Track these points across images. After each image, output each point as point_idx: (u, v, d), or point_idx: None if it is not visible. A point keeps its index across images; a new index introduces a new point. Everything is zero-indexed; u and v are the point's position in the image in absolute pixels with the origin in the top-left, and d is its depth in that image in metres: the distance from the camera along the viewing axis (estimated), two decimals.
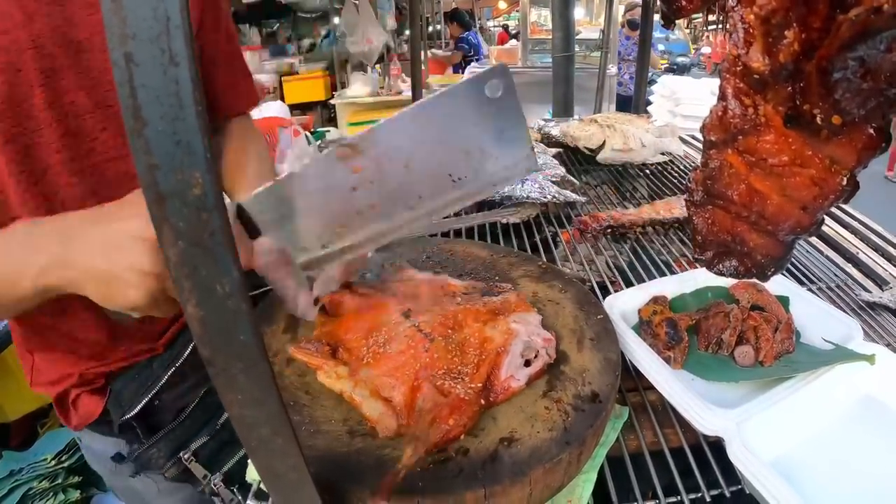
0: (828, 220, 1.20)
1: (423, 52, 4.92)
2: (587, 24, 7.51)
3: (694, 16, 0.55)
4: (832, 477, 0.57)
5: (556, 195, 1.23)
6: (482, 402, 0.55)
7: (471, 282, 0.72)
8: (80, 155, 0.66)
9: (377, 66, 5.25)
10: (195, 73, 0.26)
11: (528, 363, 0.58)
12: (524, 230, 1.17)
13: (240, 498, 0.82)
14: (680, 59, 11.75)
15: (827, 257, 1.09)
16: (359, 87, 5.04)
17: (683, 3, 0.51)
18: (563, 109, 2.44)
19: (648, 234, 1.16)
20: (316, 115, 5.67)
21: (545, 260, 0.85)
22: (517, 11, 8.04)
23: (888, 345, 0.78)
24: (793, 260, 1.02)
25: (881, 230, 1.17)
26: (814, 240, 1.14)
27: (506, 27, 11.81)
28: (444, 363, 0.56)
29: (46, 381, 0.77)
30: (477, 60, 5.84)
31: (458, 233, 1.13)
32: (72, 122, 0.65)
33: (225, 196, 0.61)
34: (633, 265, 1.02)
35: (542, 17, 9.41)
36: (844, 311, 0.84)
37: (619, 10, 4.58)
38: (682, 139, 1.73)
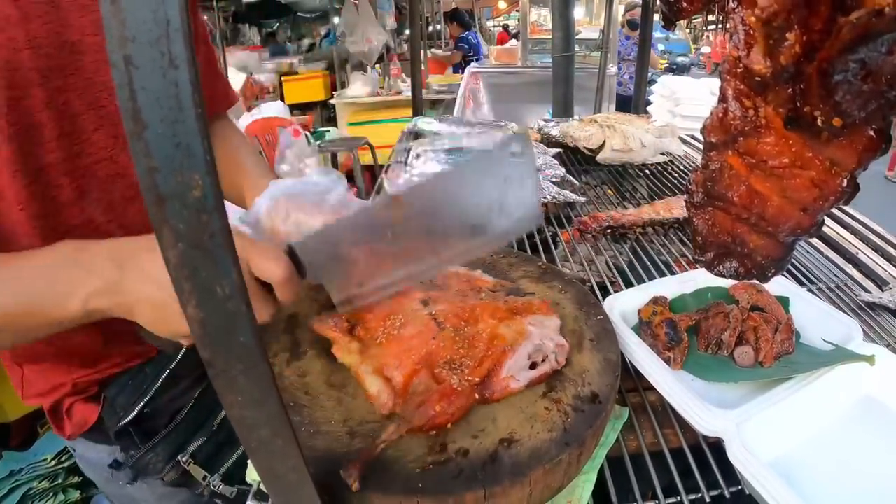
0: (828, 220, 1.20)
1: (422, 52, 4.92)
2: (587, 24, 7.51)
3: (694, 17, 0.55)
4: (832, 477, 0.57)
5: (556, 195, 1.23)
6: (476, 396, 0.55)
7: (501, 280, 0.73)
8: (73, 155, 0.66)
9: (377, 65, 5.25)
10: (195, 76, 0.26)
11: (533, 366, 0.58)
12: None
13: (234, 489, 0.82)
14: (680, 59, 11.75)
15: (827, 258, 1.09)
16: (358, 87, 5.04)
17: (684, 4, 0.51)
18: (563, 109, 2.43)
19: (648, 235, 1.16)
20: (316, 115, 5.67)
21: (545, 260, 0.85)
22: (517, 11, 8.04)
23: (888, 345, 0.78)
24: (793, 260, 1.02)
25: (881, 230, 1.16)
26: (814, 240, 1.14)
27: (506, 27, 11.80)
28: (449, 353, 0.58)
29: (38, 393, 0.76)
30: (476, 60, 5.84)
31: None
32: (67, 122, 0.65)
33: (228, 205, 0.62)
34: (632, 265, 1.02)
35: (541, 17, 9.41)
36: (844, 311, 0.84)
37: (619, 10, 4.58)
38: (681, 139, 1.73)
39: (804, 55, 0.41)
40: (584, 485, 0.58)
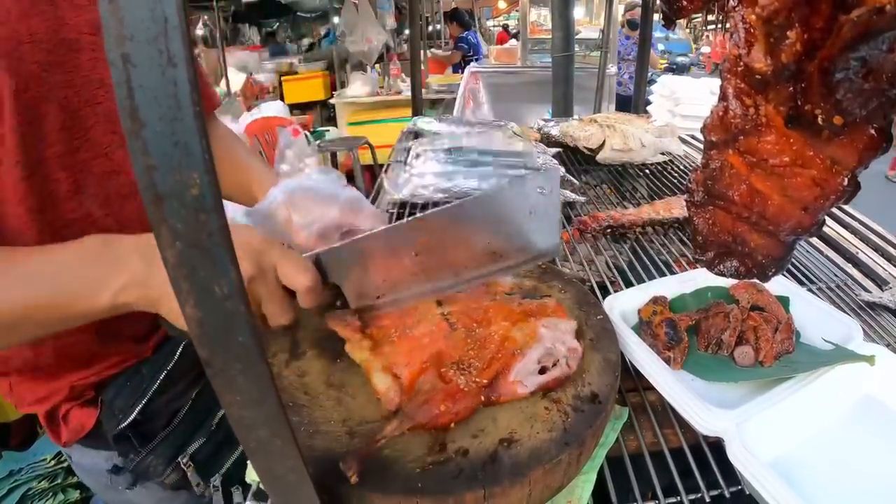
0: (828, 220, 1.20)
1: (422, 52, 4.92)
2: (587, 24, 7.50)
3: (694, 16, 0.55)
4: (832, 477, 0.57)
5: None
6: (482, 398, 0.55)
7: (520, 282, 0.74)
8: (72, 149, 0.67)
9: (377, 65, 5.25)
10: (193, 74, 0.26)
11: (543, 370, 0.58)
12: None
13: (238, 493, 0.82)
14: (679, 59, 11.75)
15: (827, 257, 1.09)
16: (358, 87, 5.04)
17: (684, 2, 0.51)
18: (563, 109, 2.43)
19: (648, 234, 1.15)
20: (315, 115, 5.67)
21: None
22: (517, 11, 8.04)
23: (888, 345, 0.78)
24: (793, 260, 1.02)
25: (881, 230, 1.16)
26: (814, 240, 1.14)
27: (505, 27, 11.80)
28: (458, 353, 0.58)
29: (33, 400, 0.75)
30: (476, 60, 5.84)
31: None
32: (68, 116, 0.66)
33: (228, 203, 0.64)
34: (632, 265, 1.02)
35: (541, 17, 9.41)
36: (844, 311, 0.84)
37: (619, 10, 4.58)
38: (681, 139, 1.73)
39: (805, 53, 0.41)
40: (584, 485, 0.58)
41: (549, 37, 2.90)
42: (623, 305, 0.77)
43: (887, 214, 1.31)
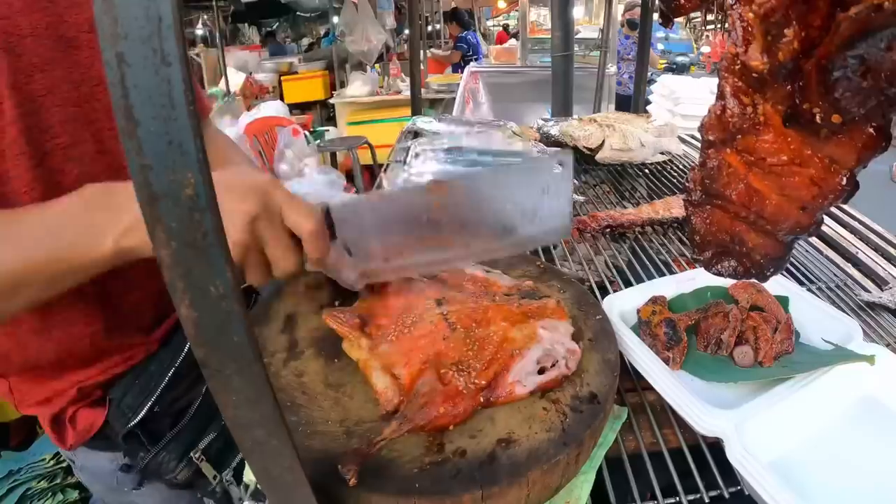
0: (828, 219, 1.20)
1: (422, 52, 4.92)
2: (586, 24, 7.49)
3: (693, 15, 0.55)
4: (832, 478, 0.57)
5: None
6: (481, 399, 0.55)
7: (519, 282, 0.73)
8: (78, 141, 0.68)
9: (376, 65, 5.26)
10: (187, 74, 0.26)
11: (542, 371, 0.58)
12: None
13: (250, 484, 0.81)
14: (679, 59, 11.74)
15: (827, 257, 1.09)
16: (358, 87, 5.04)
17: (682, 1, 0.51)
18: (563, 109, 2.43)
19: (647, 234, 1.15)
20: (315, 115, 5.68)
21: (544, 260, 0.85)
22: (516, 11, 8.04)
23: (888, 345, 0.78)
24: (792, 260, 1.02)
25: (881, 230, 1.16)
26: (813, 240, 1.14)
27: (505, 27, 11.80)
28: (458, 354, 0.57)
29: (36, 402, 0.74)
30: (476, 60, 5.84)
31: None
32: (70, 109, 0.67)
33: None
34: (631, 265, 1.02)
35: (541, 17, 9.40)
36: (844, 311, 0.84)
37: (619, 10, 4.58)
38: (681, 139, 1.73)
39: (803, 51, 0.40)
40: (583, 485, 0.58)
41: (549, 36, 2.89)
42: (622, 305, 0.77)
43: (888, 214, 1.30)
